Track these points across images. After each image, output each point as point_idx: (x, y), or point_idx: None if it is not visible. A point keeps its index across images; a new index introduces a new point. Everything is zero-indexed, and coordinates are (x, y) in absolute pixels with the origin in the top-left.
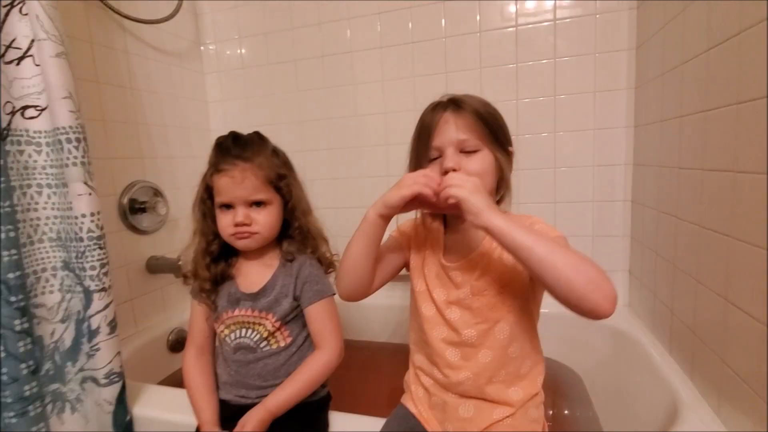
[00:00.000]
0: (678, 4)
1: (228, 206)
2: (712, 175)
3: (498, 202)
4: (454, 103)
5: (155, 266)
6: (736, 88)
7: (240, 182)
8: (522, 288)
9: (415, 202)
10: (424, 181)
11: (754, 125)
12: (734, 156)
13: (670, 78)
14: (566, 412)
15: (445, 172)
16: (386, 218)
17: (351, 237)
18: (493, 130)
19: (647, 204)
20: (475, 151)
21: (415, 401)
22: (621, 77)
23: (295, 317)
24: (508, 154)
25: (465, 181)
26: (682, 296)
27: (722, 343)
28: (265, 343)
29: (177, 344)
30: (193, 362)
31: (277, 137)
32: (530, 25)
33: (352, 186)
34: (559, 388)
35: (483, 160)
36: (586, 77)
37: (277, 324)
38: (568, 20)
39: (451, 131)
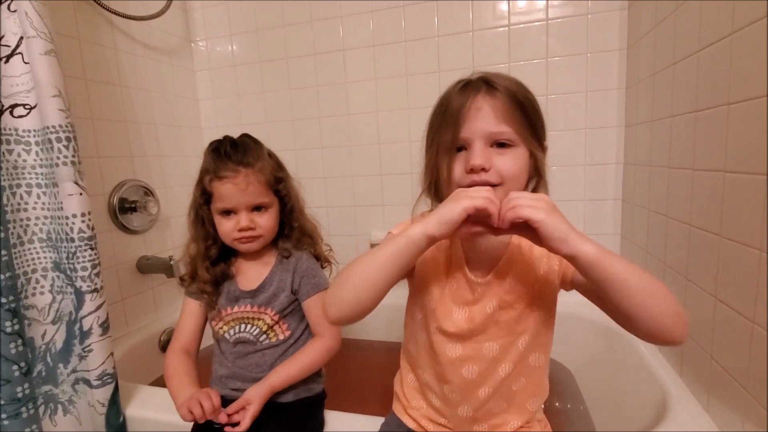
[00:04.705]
0: (669, 4)
1: (228, 211)
2: (702, 175)
3: None
4: (487, 84)
5: (146, 266)
6: (727, 89)
7: (244, 189)
8: (552, 296)
9: (468, 222)
10: (486, 194)
11: (744, 126)
12: (724, 156)
13: (661, 78)
14: (557, 404)
15: (471, 170)
16: (434, 240)
17: (371, 254)
18: (531, 119)
19: (637, 203)
20: (508, 146)
21: (418, 418)
22: (612, 77)
23: (293, 311)
24: (544, 150)
25: (538, 201)
26: (672, 293)
27: (711, 340)
28: (264, 336)
29: (169, 344)
30: (177, 355)
31: (268, 136)
32: (522, 25)
33: (344, 185)
34: (551, 383)
35: (517, 158)
36: (578, 77)
37: (276, 317)
38: (559, 20)
39: (484, 121)
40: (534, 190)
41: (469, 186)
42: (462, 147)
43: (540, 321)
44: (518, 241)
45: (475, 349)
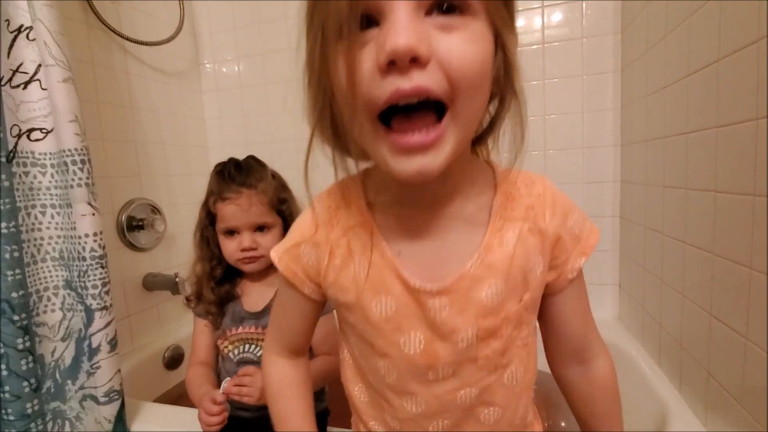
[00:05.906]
0: (659, 31)
1: (232, 231)
2: (695, 194)
3: (478, 140)
4: None
5: (152, 283)
6: (715, 112)
7: (247, 209)
8: (539, 294)
9: None
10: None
11: (733, 148)
12: (714, 176)
13: (654, 100)
14: (563, 424)
15: (389, 62)
16: None
17: None
18: None
19: (634, 220)
20: (459, 14)
21: None
22: (607, 98)
23: None
24: (515, 36)
25: None
26: (670, 310)
27: (707, 356)
28: None
29: (173, 361)
30: (196, 367)
31: (274, 156)
32: (520, 48)
33: None
34: (553, 399)
35: (477, 38)
36: (574, 98)
37: None
38: (556, 44)
39: None
40: (496, 118)
41: (391, 101)
42: (370, 19)
43: (532, 331)
44: (509, 187)
45: (443, 402)
